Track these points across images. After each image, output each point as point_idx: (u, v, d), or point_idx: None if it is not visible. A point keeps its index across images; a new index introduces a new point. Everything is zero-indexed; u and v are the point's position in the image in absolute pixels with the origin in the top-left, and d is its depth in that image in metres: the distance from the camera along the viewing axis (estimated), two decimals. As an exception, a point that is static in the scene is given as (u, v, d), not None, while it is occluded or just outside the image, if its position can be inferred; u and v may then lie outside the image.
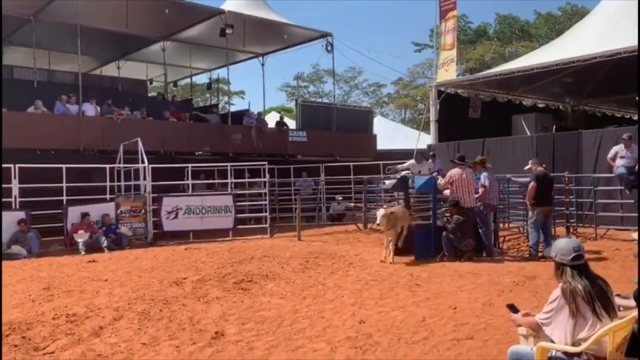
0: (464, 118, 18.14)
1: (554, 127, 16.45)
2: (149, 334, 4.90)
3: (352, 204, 15.34)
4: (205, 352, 4.41)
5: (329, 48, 19.47)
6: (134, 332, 4.99)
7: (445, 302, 5.87)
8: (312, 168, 16.87)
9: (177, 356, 4.32)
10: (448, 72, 17.39)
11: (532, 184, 9.26)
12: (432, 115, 17.58)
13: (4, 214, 11.02)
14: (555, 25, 39.43)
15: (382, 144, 22.00)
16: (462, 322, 5.09)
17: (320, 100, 42.49)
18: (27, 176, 11.58)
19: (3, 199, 11.17)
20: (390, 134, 25.80)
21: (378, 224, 8.83)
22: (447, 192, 9.35)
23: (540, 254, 8.93)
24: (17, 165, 11.35)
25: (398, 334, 4.78)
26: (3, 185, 11.17)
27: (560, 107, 21.95)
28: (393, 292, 6.39)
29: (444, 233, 8.85)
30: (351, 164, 16.42)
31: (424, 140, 18.34)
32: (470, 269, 7.85)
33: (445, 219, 9.57)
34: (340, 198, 16.06)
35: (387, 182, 12.45)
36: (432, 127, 17.51)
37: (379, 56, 77.78)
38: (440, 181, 9.50)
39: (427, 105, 19.01)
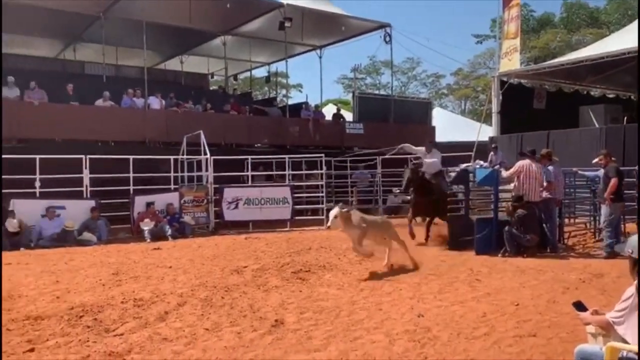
0: (528, 109, 17.53)
1: (625, 118, 15.61)
2: (211, 320, 5.06)
3: (409, 197, 15.16)
4: (265, 339, 4.51)
5: (387, 39, 19.25)
6: (197, 317, 5.16)
7: (506, 298, 5.72)
8: (369, 160, 16.80)
9: (238, 342, 4.44)
10: (511, 62, 16.83)
11: (614, 180, 8.66)
12: (494, 107, 17.09)
13: (76, 202, 11.66)
14: (628, 11, 37.22)
15: (441, 136, 21.57)
16: (525, 319, 4.95)
17: (377, 92, 42.14)
18: (97, 167, 12.18)
19: (75, 188, 11.83)
20: (450, 125, 25.23)
21: (329, 227, 7.40)
22: (511, 185, 9.09)
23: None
24: (88, 157, 11.95)
25: (457, 329, 4.70)
26: (75, 175, 11.82)
27: (632, 97, 20.76)
28: (452, 287, 6.29)
29: (506, 227, 8.60)
30: (409, 156, 16.22)
31: (485, 132, 17.86)
32: (533, 265, 7.60)
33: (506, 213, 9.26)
34: (398, 191, 15.90)
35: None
36: (494, 118, 17.04)
37: (438, 46, 76.00)
38: (505, 172, 9.24)
39: (489, 96, 18.47)
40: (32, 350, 4.31)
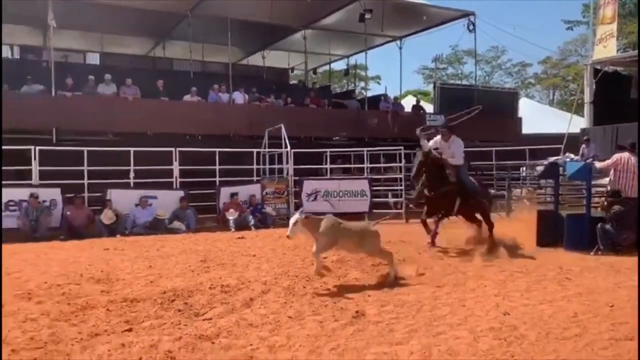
0: (625, 99, 16.37)
1: None
2: (294, 308, 5.18)
3: (493, 192, 14.69)
4: (347, 329, 4.56)
5: (471, 27, 18.67)
6: (281, 305, 5.31)
7: (600, 298, 5.41)
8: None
9: (320, 331, 4.52)
10: (607, 49, 15.79)
11: None
12: (587, 96, 16.14)
13: (167, 192, 12.33)
14: None
15: (528, 128, 20.69)
16: (621, 322, 4.66)
17: (459, 82, 40.99)
18: (185, 159, 12.82)
19: (165, 179, 12.51)
20: (537, 117, 24.15)
21: (288, 236, 6.21)
22: (605, 179, 8.57)
23: None
24: (177, 149, 12.59)
25: (546, 329, 4.51)
26: (166, 167, 12.50)
27: None
28: (540, 285, 6.03)
29: (599, 225, 8.12)
30: (493, 149, 15.68)
31: (577, 123, 16.90)
32: (630, 264, 7.11)
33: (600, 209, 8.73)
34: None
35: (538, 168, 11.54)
36: (587, 109, 16.10)
37: (525, 34, 72.54)
38: (599, 164, 8.72)
39: (581, 86, 17.48)
40: (129, 330, 4.62)
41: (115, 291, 5.93)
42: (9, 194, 11.01)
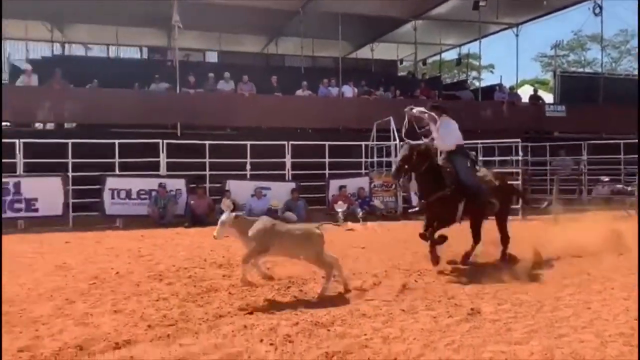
0: None
1: None
2: (406, 302, 5.19)
3: (620, 186, 13.56)
4: (462, 326, 4.48)
5: (597, 10, 17.28)
6: (393, 298, 5.34)
7: None
8: (572, 146, 15.36)
9: (434, 326, 4.49)
10: None
11: None
12: None
13: (280, 184, 12.83)
14: None
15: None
16: None
17: (582, 69, 38.06)
18: (296, 152, 13.23)
19: (278, 172, 13.02)
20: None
21: (214, 236, 5.76)
22: None
23: None
24: (290, 143, 13.04)
25: (687, 339, 4.12)
26: (279, 160, 13.01)
27: None
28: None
29: None
30: (621, 141, 14.43)
31: None
32: None
33: None
34: (607, 180, 14.30)
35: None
36: None
37: (660, 14, 65.49)
38: None
39: None
40: (250, 313, 4.90)
41: (236, 276, 6.28)
42: (140, 183, 12.08)
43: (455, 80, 27.50)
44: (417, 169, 6.76)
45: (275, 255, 5.77)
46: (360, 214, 12.26)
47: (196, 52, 22.65)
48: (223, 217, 5.61)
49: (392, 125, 13.42)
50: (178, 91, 15.18)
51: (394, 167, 6.87)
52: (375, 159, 14.36)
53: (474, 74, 29.63)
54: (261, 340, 4.14)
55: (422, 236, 6.77)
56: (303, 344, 4.07)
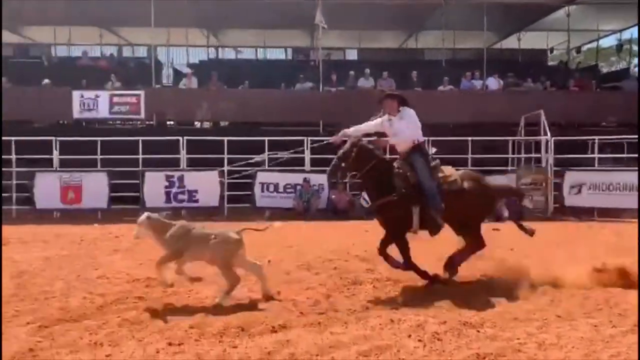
0: None
1: None
2: (562, 307, 4.91)
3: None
4: (628, 338, 4.11)
5: None
6: (547, 302, 5.08)
7: None
8: None
9: (595, 335, 4.17)
10: None
11: None
12: None
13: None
14: None
15: None
16: None
17: None
18: (436, 148, 12.97)
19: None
20: None
21: (134, 236, 5.56)
22: None
23: None
24: (430, 139, 12.82)
25: None
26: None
27: None
28: None
29: None
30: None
31: None
32: None
33: None
34: None
35: None
36: None
37: None
38: None
39: None
40: (396, 308, 4.96)
41: (379, 271, 6.40)
42: (287, 178, 12.80)
43: (614, 69, 24.94)
44: (359, 169, 5.95)
45: (192, 260, 5.47)
46: (506, 213, 11.69)
47: (336, 50, 23.19)
48: (141, 218, 5.46)
49: (543, 119, 12.63)
50: (321, 90, 15.71)
51: (329, 169, 5.96)
52: (523, 155, 13.62)
53: (635, 61, 26.65)
54: (409, 336, 4.19)
55: (379, 252, 6.02)
56: (452, 343, 4.04)
